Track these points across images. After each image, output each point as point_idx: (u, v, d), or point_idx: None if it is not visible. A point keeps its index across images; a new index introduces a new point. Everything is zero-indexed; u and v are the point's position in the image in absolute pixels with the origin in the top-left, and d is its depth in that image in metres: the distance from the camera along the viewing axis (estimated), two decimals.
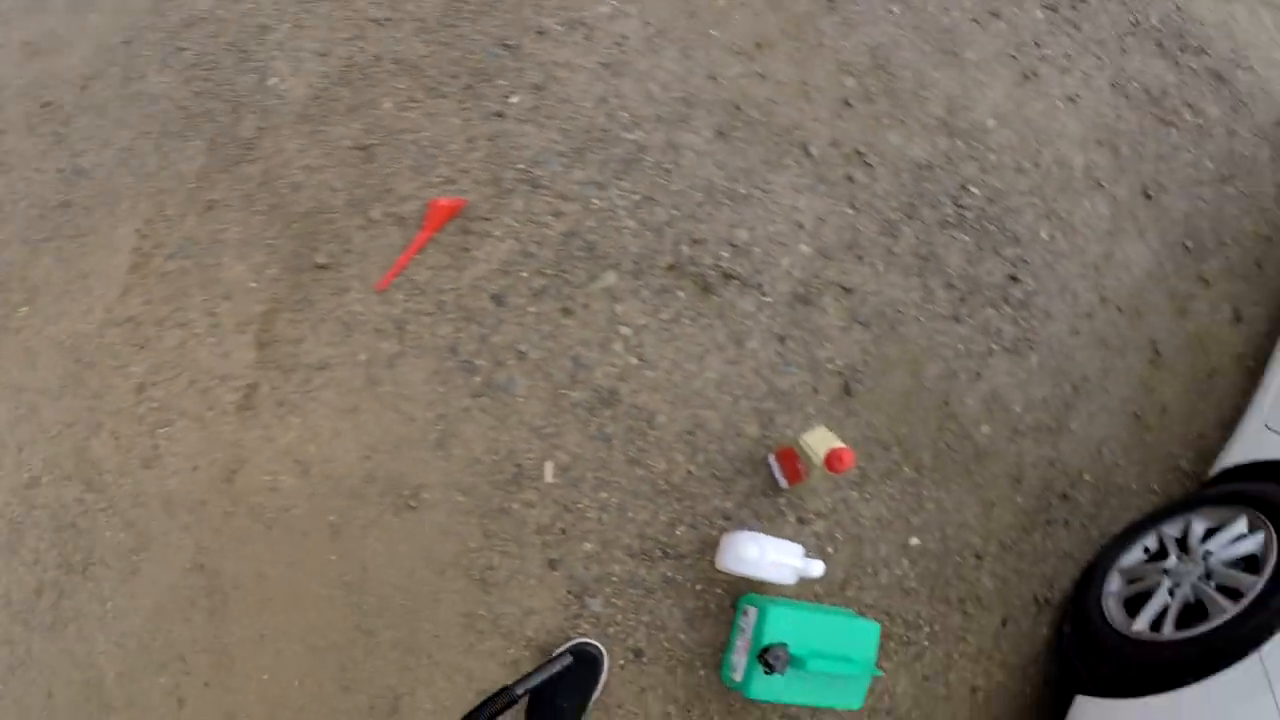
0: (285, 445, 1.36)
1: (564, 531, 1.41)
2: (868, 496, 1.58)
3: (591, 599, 1.40)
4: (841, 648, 1.34)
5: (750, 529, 1.46)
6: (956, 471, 1.60)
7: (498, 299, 1.47)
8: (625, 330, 1.50)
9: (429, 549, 1.36)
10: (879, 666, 1.52)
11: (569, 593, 1.39)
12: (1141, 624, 1.44)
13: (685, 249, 1.59)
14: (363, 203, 1.52)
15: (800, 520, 1.54)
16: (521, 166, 1.58)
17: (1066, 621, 1.62)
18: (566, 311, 1.49)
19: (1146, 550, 1.58)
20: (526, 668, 1.37)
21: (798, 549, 1.36)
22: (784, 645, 1.27)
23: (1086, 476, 1.70)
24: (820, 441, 1.35)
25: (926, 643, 1.60)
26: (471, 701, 1.33)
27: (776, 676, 1.26)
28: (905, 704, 1.59)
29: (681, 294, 1.56)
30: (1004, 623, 1.65)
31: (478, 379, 1.42)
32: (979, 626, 1.65)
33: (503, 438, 1.41)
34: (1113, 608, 1.52)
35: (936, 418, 1.61)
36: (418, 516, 1.36)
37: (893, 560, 1.61)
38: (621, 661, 1.39)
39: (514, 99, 1.64)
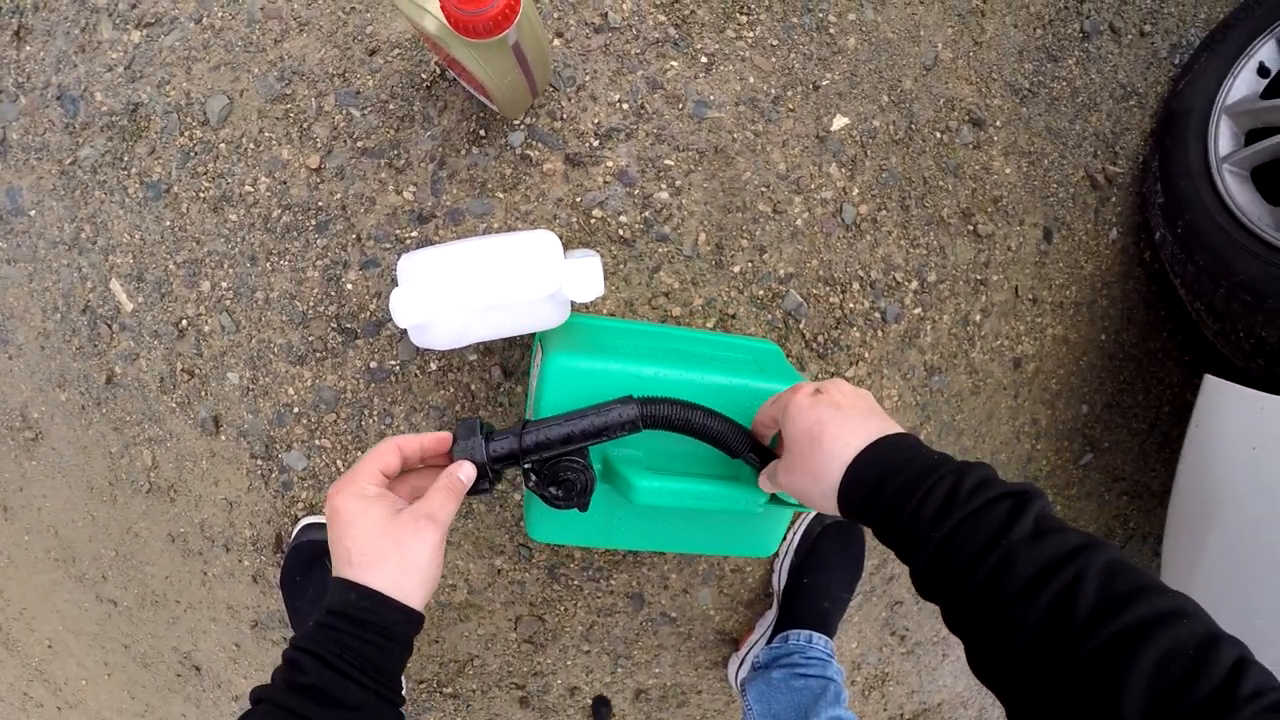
0: None
1: (191, 372, 0.82)
2: (691, 49, 0.68)
3: (285, 452, 0.82)
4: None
5: (437, 242, 0.73)
6: None
7: None
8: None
9: (84, 478, 0.90)
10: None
11: (253, 457, 0.83)
12: None
13: None
14: None
15: (573, 159, 0.72)
16: None
17: (1161, 225, 0.80)
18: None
19: (1264, 70, 0.76)
20: (270, 576, 0.88)
21: (541, 244, 0.61)
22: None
23: None
24: None
25: (917, 310, 0.79)
26: (252, 636, 0.92)
27: (573, 513, 0.58)
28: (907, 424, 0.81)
29: None
30: (1047, 234, 0.87)
31: None
32: (1005, 254, 0.84)
33: (46, 284, 0.84)
34: (1234, 186, 0.73)
35: None
36: (47, 445, 0.90)
37: (804, 172, 0.71)
38: None
39: None
